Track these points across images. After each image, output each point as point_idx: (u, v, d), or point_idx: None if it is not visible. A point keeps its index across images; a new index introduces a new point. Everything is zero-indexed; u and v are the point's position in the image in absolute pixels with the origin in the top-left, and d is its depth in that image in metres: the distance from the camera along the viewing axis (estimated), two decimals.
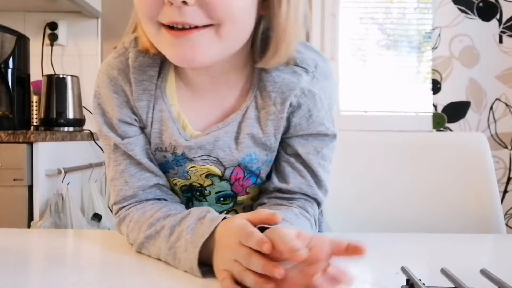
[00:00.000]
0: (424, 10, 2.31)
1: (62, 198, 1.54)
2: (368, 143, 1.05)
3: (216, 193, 0.72)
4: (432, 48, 2.11)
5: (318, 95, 0.65)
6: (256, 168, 0.68)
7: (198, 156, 0.66)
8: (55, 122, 1.80)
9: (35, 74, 1.95)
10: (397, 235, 0.83)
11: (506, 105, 2.08)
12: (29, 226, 1.47)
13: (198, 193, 0.73)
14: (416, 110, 2.30)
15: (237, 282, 0.48)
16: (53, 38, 2.15)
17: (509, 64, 2.07)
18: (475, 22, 2.08)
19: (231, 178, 0.69)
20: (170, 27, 0.56)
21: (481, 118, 2.09)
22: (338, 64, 2.29)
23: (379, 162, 1.03)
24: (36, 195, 1.50)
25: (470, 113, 2.09)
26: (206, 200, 0.73)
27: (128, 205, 0.67)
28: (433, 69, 2.11)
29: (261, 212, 0.52)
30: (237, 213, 0.74)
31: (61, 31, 2.16)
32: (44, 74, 1.98)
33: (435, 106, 2.11)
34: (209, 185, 0.71)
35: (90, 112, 1.74)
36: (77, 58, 2.18)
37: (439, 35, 2.09)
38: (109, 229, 1.62)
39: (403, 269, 0.50)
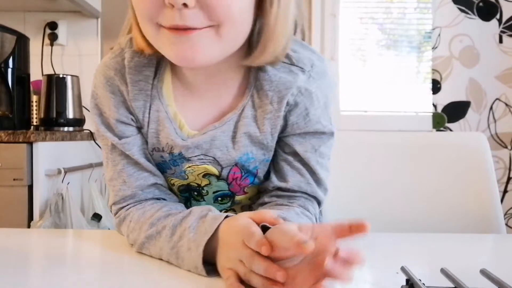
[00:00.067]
0: (424, 10, 2.31)
1: (62, 198, 1.54)
2: (368, 143, 1.05)
3: (214, 192, 0.72)
4: (432, 48, 2.11)
5: (315, 93, 0.65)
6: (253, 168, 0.68)
7: (195, 156, 0.66)
8: (55, 122, 1.80)
9: (35, 74, 1.95)
10: (397, 235, 0.83)
11: (506, 105, 2.08)
12: (29, 226, 1.47)
13: (196, 193, 0.73)
14: (416, 110, 2.30)
15: (241, 280, 0.48)
16: (53, 38, 2.15)
17: (509, 64, 2.07)
18: (475, 22, 2.08)
19: (229, 177, 0.69)
20: (171, 29, 0.56)
21: (481, 118, 2.09)
22: (338, 64, 2.29)
23: (379, 162, 1.03)
24: (36, 195, 1.50)
25: (470, 113, 2.09)
26: (204, 200, 0.73)
27: (128, 205, 0.67)
28: (433, 69, 2.11)
29: (265, 214, 0.52)
30: (235, 212, 0.74)
31: (61, 31, 2.16)
32: (44, 74, 1.98)
33: (435, 106, 2.11)
34: (207, 184, 0.71)
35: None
36: (77, 58, 2.18)
37: (439, 35, 2.09)
38: (109, 229, 1.62)
39: (403, 269, 0.50)
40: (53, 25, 2.15)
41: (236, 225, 0.52)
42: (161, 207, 0.64)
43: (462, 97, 2.10)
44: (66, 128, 1.82)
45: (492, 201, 0.99)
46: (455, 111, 2.10)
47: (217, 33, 0.56)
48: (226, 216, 0.56)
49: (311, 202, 0.68)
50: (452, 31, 2.09)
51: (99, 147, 1.84)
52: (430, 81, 2.15)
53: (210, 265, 0.54)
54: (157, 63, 0.66)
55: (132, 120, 0.67)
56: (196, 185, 0.71)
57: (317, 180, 0.67)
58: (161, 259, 0.60)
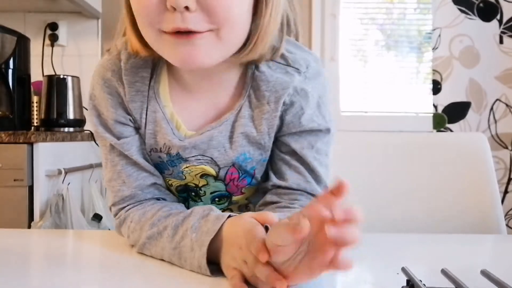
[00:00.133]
0: (424, 11, 2.32)
1: (63, 198, 1.54)
2: (369, 144, 1.05)
3: (211, 193, 0.72)
4: (432, 49, 2.11)
5: (310, 93, 0.66)
6: (251, 168, 0.69)
7: (192, 156, 0.67)
8: (56, 123, 1.80)
9: (36, 75, 1.95)
10: (397, 236, 0.83)
11: (507, 105, 2.08)
12: (29, 227, 1.47)
13: (193, 194, 0.73)
14: (416, 110, 2.30)
15: (245, 280, 0.49)
16: (54, 38, 2.15)
17: (509, 65, 2.07)
18: (475, 22, 2.08)
19: (226, 178, 0.69)
20: (173, 32, 0.56)
21: (481, 118, 2.09)
22: (338, 64, 2.29)
23: (379, 163, 1.03)
24: (36, 195, 1.50)
25: (470, 113, 2.09)
26: (201, 201, 0.74)
27: (127, 206, 0.67)
28: (433, 70, 2.11)
29: (267, 215, 0.53)
30: (232, 212, 0.74)
31: (61, 32, 2.16)
32: (45, 74, 1.99)
33: (435, 106, 2.11)
34: (204, 185, 0.71)
35: None
36: (78, 59, 2.18)
37: (439, 35, 2.09)
38: (109, 229, 1.61)
39: (404, 270, 0.50)
40: (53, 26, 2.15)
41: (241, 224, 0.53)
42: (162, 207, 0.64)
43: (462, 98, 2.09)
44: (66, 129, 1.82)
45: (493, 201, 0.99)
46: (455, 112, 2.10)
47: (217, 36, 0.57)
48: (229, 216, 0.56)
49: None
50: (452, 31, 2.09)
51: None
52: (431, 81, 2.15)
53: (214, 265, 0.54)
54: (153, 64, 0.67)
55: (130, 120, 0.67)
56: (193, 185, 0.72)
57: (316, 178, 0.67)
58: (162, 260, 0.60)
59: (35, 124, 1.88)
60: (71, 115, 1.82)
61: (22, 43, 1.75)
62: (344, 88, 2.30)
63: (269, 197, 0.68)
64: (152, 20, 0.56)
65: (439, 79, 2.10)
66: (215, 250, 0.54)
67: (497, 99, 2.08)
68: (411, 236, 0.83)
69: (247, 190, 0.72)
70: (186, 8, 0.53)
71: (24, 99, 1.79)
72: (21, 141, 1.46)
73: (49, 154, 1.56)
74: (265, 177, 0.71)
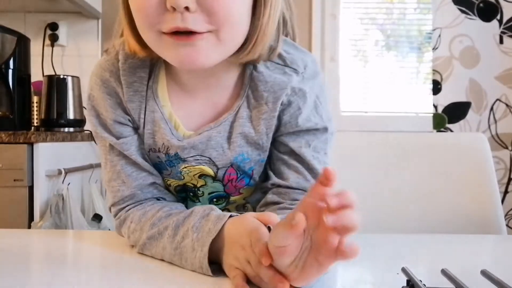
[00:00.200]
0: (424, 11, 2.32)
1: (63, 198, 1.54)
2: (369, 144, 1.05)
3: (209, 193, 0.72)
4: (433, 49, 2.11)
5: (308, 93, 0.66)
6: (249, 169, 0.69)
7: (191, 156, 0.67)
8: (56, 123, 1.80)
9: (36, 75, 1.95)
10: (397, 236, 0.83)
11: (507, 105, 2.08)
12: (29, 227, 1.47)
13: (191, 194, 0.73)
14: (416, 110, 2.30)
15: (247, 280, 0.49)
16: (54, 38, 2.15)
17: (509, 65, 2.07)
18: (475, 22, 2.08)
19: (224, 178, 0.69)
20: (172, 33, 0.56)
21: (481, 118, 2.09)
22: (338, 64, 2.29)
23: (379, 163, 1.03)
24: (36, 195, 1.50)
25: (470, 113, 2.09)
26: (199, 201, 0.74)
27: (127, 206, 0.67)
28: (433, 70, 2.11)
29: (269, 216, 0.53)
30: (229, 212, 0.74)
31: (61, 32, 2.16)
32: (45, 74, 1.98)
33: (435, 106, 2.11)
34: (202, 185, 0.71)
35: None
36: (78, 59, 2.18)
37: (439, 35, 2.09)
38: (109, 229, 1.62)
39: (404, 270, 0.50)
40: (53, 26, 2.15)
41: (245, 226, 0.53)
42: (162, 207, 0.64)
43: (462, 98, 2.09)
44: (66, 129, 1.82)
45: (493, 201, 0.99)
46: (455, 112, 2.10)
47: (217, 37, 0.57)
48: (230, 216, 0.56)
49: None
50: (452, 31, 2.09)
51: None
52: (431, 81, 2.15)
53: (215, 265, 0.54)
54: (151, 64, 0.67)
55: (129, 120, 0.67)
56: (192, 185, 0.72)
57: (316, 176, 0.67)
58: (162, 260, 0.60)
59: (35, 124, 1.88)
60: (71, 115, 1.82)
61: (22, 43, 1.75)
62: (344, 88, 2.30)
63: (270, 197, 0.68)
64: (152, 21, 0.56)
65: (439, 79, 2.10)
66: (216, 250, 0.54)
67: (497, 99, 2.08)
68: (411, 236, 0.83)
69: (245, 190, 0.72)
70: (186, 8, 0.54)
71: (24, 99, 1.79)
72: (21, 141, 1.46)
73: (49, 154, 1.56)
74: (263, 177, 0.71)
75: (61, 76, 1.82)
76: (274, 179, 0.68)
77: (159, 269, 0.58)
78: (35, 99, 1.89)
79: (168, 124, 0.66)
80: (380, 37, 2.34)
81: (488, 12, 2.07)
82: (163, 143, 0.67)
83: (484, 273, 0.49)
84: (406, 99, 2.30)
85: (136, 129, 0.68)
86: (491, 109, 2.08)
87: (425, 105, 2.25)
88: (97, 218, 1.67)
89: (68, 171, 1.59)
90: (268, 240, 0.47)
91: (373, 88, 2.33)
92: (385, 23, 2.34)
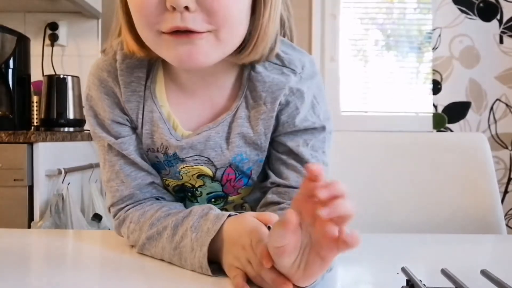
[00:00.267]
0: (424, 11, 2.32)
1: (62, 198, 1.54)
2: (368, 144, 1.05)
3: (208, 194, 0.73)
4: (433, 49, 2.11)
5: (306, 93, 0.66)
6: (247, 169, 0.69)
7: (189, 156, 0.67)
8: (56, 123, 1.80)
9: (36, 75, 1.95)
10: (397, 236, 0.83)
11: (507, 105, 2.08)
12: (29, 227, 1.47)
13: (189, 194, 0.73)
14: (416, 110, 2.30)
15: (247, 279, 0.49)
16: (54, 38, 2.15)
17: (509, 65, 2.07)
18: (475, 22, 2.08)
19: (223, 179, 0.69)
20: (172, 32, 0.56)
21: (481, 118, 2.09)
22: (338, 64, 2.29)
23: (379, 163, 1.03)
24: (36, 195, 1.50)
25: (470, 113, 2.09)
26: (198, 201, 0.74)
27: (126, 206, 0.67)
28: (433, 70, 2.11)
29: (269, 216, 0.53)
30: (227, 211, 0.74)
31: (61, 32, 2.16)
32: (45, 74, 1.98)
33: (435, 106, 2.11)
34: (201, 185, 0.71)
35: None
36: (78, 59, 2.18)
37: (440, 35, 2.09)
38: (109, 229, 1.62)
39: (404, 270, 0.50)
40: (53, 26, 2.15)
41: (244, 225, 0.53)
42: (161, 207, 0.64)
43: (462, 98, 2.10)
44: (66, 129, 1.82)
45: (493, 201, 0.99)
46: (455, 112, 2.10)
47: (216, 37, 0.57)
48: (229, 215, 0.56)
49: None
50: (452, 31, 2.09)
51: None
52: (431, 81, 2.15)
53: (215, 264, 0.54)
54: (149, 64, 0.67)
55: (127, 120, 0.67)
56: (190, 185, 0.72)
57: None
58: (162, 260, 0.60)
59: (35, 124, 1.88)
60: (71, 115, 1.82)
61: (22, 43, 1.75)
62: (344, 88, 2.30)
63: (270, 197, 0.68)
64: (151, 21, 0.56)
65: (439, 79, 2.10)
66: (215, 250, 0.54)
67: (497, 99, 2.08)
68: (411, 236, 0.83)
69: (243, 190, 0.73)
70: (186, 8, 0.53)
71: (24, 99, 1.79)
72: (21, 141, 1.46)
73: (49, 154, 1.56)
74: (262, 177, 0.71)
75: (61, 76, 1.82)
76: (273, 178, 0.68)
77: (159, 269, 0.58)
78: (35, 99, 1.89)
79: (166, 124, 0.66)
80: (380, 37, 2.34)
81: (488, 12, 2.08)
82: (162, 143, 0.67)
83: (484, 273, 0.50)
84: (406, 99, 2.31)
85: (134, 129, 0.68)
86: (491, 109, 2.08)
87: (425, 105, 2.25)
88: (97, 218, 1.67)
89: (68, 171, 1.59)
90: (267, 242, 0.47)
91: (373, 88, 2.33)
92: (385, 23, 2.34)
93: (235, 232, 0.53)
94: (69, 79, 1.81)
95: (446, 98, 2.10)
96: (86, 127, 1.90)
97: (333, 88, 2.28)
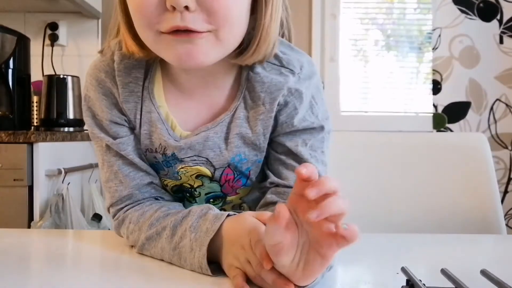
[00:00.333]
0: (424, 11, 2.32)
1: (62, 198, 1.54)
2: (368, 144, 1.05)
3: (206, 194, 0.72)
4: (433, 49, 2.11)
5: (305, 93, 0.66)
6: (246, 169, 0.69)
7: (188, 157, 0.67)
8: (56, 122, 1.80)
9: (36, 75, 1.95)
10: (397, 236, 0.83)
11: (507, 105, 2.08)
12: (29, 226, 1.47)
13: (188, 194, 0.73)
14: (416, 110, 2.30)
15: (247, 279, 0.49)
16: (54, 38, 2.15)
17: (509, 65, 2.07)
18: (475, 22, 2.08)
19: (221, 179, 0.69)
20: (171, 32, 0.56)
21: (481, 118, 2.09)
22: (338, 64, 2.29)
23: (379, 163, 1.03)
24: (36, 195, 1.50)
25: (470, 113, 2.09)
26: (196, 201, 0.74)
27: (126, 206, 0.67)
28: (433, 70, 2.11)
29: (268, 215, 0.53)
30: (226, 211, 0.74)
31: (61, 32, 2.16)
32: (45, 74, 1.98)
33: (435, 106, 2.11)
34: (199, 186, 0.71)
35: None
36: (77, 59, 2.18)
37: (440, 35, 2.09)
38: (109, 229, 1.61)
39: (404, 270, 0.50)
40: (53, 26, 2.15)
41: (243, 225, 0.53)
42: (160, 207, 0.64)
43: (462, 98, 2.10)
44: (66, 129, 1.82)
45: (493, 201, 0.99)
46: (455, 112, 2.10)
47: (216, 37, 0.57)
48: (228, 215, 0.56)
49: None
50: (452, 31, 2.09)
51: None
52: (431, 81, 2.15)
53: (215, 264, 0.54)
54: (147, 65, 0.66)
55: (125, 121, 0.67)
56: (188, 186, 0.72)
57: None
58: (162, 260, 0.60)
59: (35, 124, 1.88)
60: (71, 115, 1.82)
61: (22, 43, 1.75)
62: (344, 88, 2.30)
63: (269, 197, 0.68)
64: (151, 21, 0.56)
65: (439, 79, 2.10)
66: (215, 250, 0.54)
67: (497, 99, 2.08)
68: (411, 236, 0.83)
69: (242, 190, 0.73)
70: (186, 7, 0.53)
71: (24, 99, 1.79)
72: (21, 141, 1.46)
73: (49, 154, 1.56)
74: (260, 177, 0.71)
75: (61, 76, 1.82)
76: (272, 178, 0.68)
77: (159, 268, 0.58)
78: (35, 99, 1.89)
79: (165, 125, 0.66)
80: (380, 37, 2.34)
81: (488, 12, 2.08)
82: (160, 144, 0.67)
83: (484, 272, 0.50)
84: (406, 99, 2.31)
85: (132, 129, 0.68)
86: (491, 109, 2.08)
87: (425, 105, 2.25)
88: (97, 217, 1.67)
89: (68, 170, 1.59)
90: (264, 241, 0.47)
91: (373, 88, 2.33)
92: (385, 23, 2.34)
93: (234, 232, 0.53)
94: (69, 79, 1.81)
95: (446, 98, 2.10)
96: (86, 127, 1.90)
97: (333, 88, 2.28)
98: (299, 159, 0.66)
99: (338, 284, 0.55)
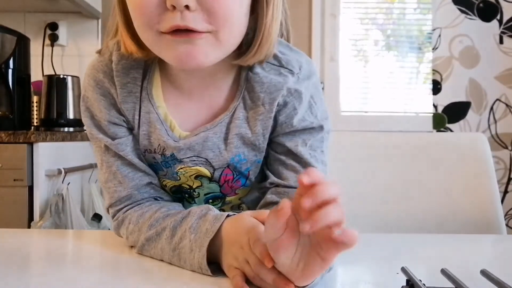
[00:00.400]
0: (424, 11, 2.32)
1: (62, 198, 1.54)
2: (368, 144, 1.05)
3: (205, 194, 0.72)
4: (432, 49, 2.11)
5: (304, 93, 0.66)
6: (245, 169, 0.69)
7: (187, 157, 0.67)
8: (56, 122, 1.80)
9: (36, 75, 1.95)
10: (397, 236, 0.83)
11: (507, 105, 2.08)
12: (29, 227, 1.47)
13: (186, 195, 0.73)
14: (416, 110, 2.30)
15: (246, 279, 0.49)
16: (54, 38, 2.15)
17: (509, 65, 2.07)
18: (475, 22, 2.08)
19: (221, 179, 0.69)
20: (172, 32, 0.56)
21: (481, 118, 2.09)
22: (338, 64, 2.29)
23: (379, 163, 1.03)
24: (36, 195, 1.50)
25: (470, 113, 2.09)
26: (195, 202, 0.74)
27: (125, 207, 0.67)
28: (433, 70, 2.11)
29: (266, 215, 0.53)
30: (225, 212, 0.74)
31: (61, 32, 2.16)
32: (45, 74, 1.98)
33: (435, 106, 2.11)
34: (198, 186, 0.71)
35: None
36: (77, 59, 2.18)
37: (439, 35, 2.09)
38: (109, 229, 1.61)
39: (404, 270, 0.50)
40: (53, 26, 2.15)
41: (242, 225, 0.53)
42: (159, 208, 0.64)
43: (462, 98, 2.10)
44: (66, 129, 1.82)
45: (493, 201, 0.99)
46: (455, 112, 2.10)
47: (216, 38, 0.57)
48: (227, 215, 0.56)
49: None
50: (452, 31, 2.09)
51: None
52: (431, 81, 2.15)
53: (215, 264, 0.54)
54: (145, 65, 0.66)
55: (124, 121, 0.67)
56: (187, 187, 0.71)
57: None
58: (162, 260, 0.60)
59: (35, 124, 1.88)
60: (71, 115, 1.82)
61: (22, 43, 1.75)
62: (344, 88, 2.30)
63: (269, 198, 0.67)
64: (151, 20, 0.56)
65: (439, 79, 2.10)
66: (215, 250, 0.54)
67: (497, 99, 2.08)
68: (411, 236, 0.83)
69: (241, 191, 0.73)
70: (186, 7, 0.53)
71: (24, 99, 1.79)
72: (21, 141, 1.46)
73: (49, 154, 1.56)
74: (259, 178, 0.71)
75: (61, 76, 1.82)
76: (272, 178, 0.68)
77: (159, 268, 0.58)
78: (35, 99, 1.89)
79: (163, 125, 0.66)
80: (380, 37, 2.34)
81: (488, 12, 2.08)
82: (159, 144, 0.66)
83: (484, 273, 0.50)
84: (406, 99, 2.31)
85: (131, 129, 0.68)
86: (491, 109, 2.08)
87: (425, 105, 2.25)
88: (97, 217, 1.67)
89: (68, 170, 1.59)
90: (263, 238, 0.47)
91: (373, 88, 2.33)
92: (385, 23, 2.34)
93: (233, 232, 0.53)
94: (69, 79, 1.81)
95: (446, 98, 2.10)
96: (84, 127, 1.90)
97: (333, 88, 2.28)
98: (299, 159, 0.66)
99: (338, 284, 0.55)
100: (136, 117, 0.66)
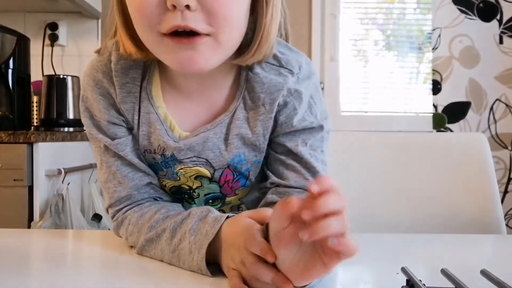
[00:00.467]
0: (424, 11, 2.32)
1: (62, 198, 1.54)
2: (368, 144, 1.05)
3: (205, 195, 0.72)
4: (432, 49, 2.11)
5: (304, 94, 0.66)
6: (246, 170, 0.69)
7: (187, 158, 0.66)
8: (55, 122, 1.80)
9: (36, 75, 1.95)
10: (397, 236, 0.83)
11: (506, 105, 2.08)
12: (29, 227, 1.47)
13: (186, 196, 0.73)
14: (416, 110, 2.30)
15: (245, 280, 0.49)
16: (54, 38, 2.15)
17: (509, 65, 2.07)
18: (475, 22, 2.08)
19: (221, 180, 0.69)
20: (172, 34, 0.56)
21: (481, 118, 2.09)
22: (338, 64, 2.29)
23: (379, 163, 1.03)
24: (36, 195, 1.50)
25: (470, 113, 2.09)
26: (195, 203, 0.73)
27: (125, 207, 0.67)
28: (433, 70, 2.11)
29: (264, 212, 0.53)
30: (224, 213, 0.74)
31: (61, 32, 2.16)
32: (45, 74, 1.98)
33: (435, 106, 2.11)
34: (198, 187, 0.71)
35: None
36: (77, 59, 2.18)
37: (439, 35, 2.09)
38: (109, 229, 1.61)
39: (404, 270, 0.50)
40: (53, 26, 2.15)
41: (239, 226, 0.53)
42: (159, 209, 0.64)
43: (462, 98, 2.10)
44: (66, 129, 1.82)
45: (493, 201, 0.99)
46: (455, 112, 2.10)
47: (216, 41, 0.57)
48: (227, 217, 0.56)
49: None
50: (452, 31, 2.09)
51: None
52: (431, 81, 2.15)
53: (214, 265, 0.54)
54: (145, 65, 0.66)
55: (123, 121, 0.67)
56: (187, 187, 0.71)
57: (314, 174, 0.67)
58: (162, 260, 0.60)
59: (35, 124, 1.88)
60: (71, 115, 1.82)
61: (22, 43, 1.75)
62: (344, 88, 2.30)
63: (270, 198, 0.67)
64: (151, 21, 0.55)
65: (439, 79, 2.10)
66: (214, 251, 0.54)
67: (497, 99, 2.08)
68: (411, 236, 0.83)
69: (241, 191, 0.72)
70: (187, 7, 0.53)
71: (24, 99, 1.79)
72: (21, 141, 1.46)
73: (49, 154, 1.56)
74: (259, 178, 0.71)
75: (61, 76, 1.82)
76: (273, 179, 0.68)
77: (159, 269, 0.58)
78: (35, 99, 1.89)
79: (163, 125, 0.66)
80: (380, 37, 2.34)
81: (488, 12, 2.08)
82: (159, 145, 0.66)
83: (484, 273, 0.50)
84: (406, 99, 2.31)
85: (130, 129, 0.68)
86: (491, 109, 2.08)
87: (425, 105, 2.25)
88: (97, 218, 1.67)
89: (68, 171, 1.59)
90: (269, 228, 0.47)
91: (373, 88, 2.33)
92: (385, 23, 2.34)
93: (232, 233, 0.53)
94: (69, 79, 1.81)
95: (446, 98, 2.10)
96: (84, 127, 1.90)
97: (333, 88, 2.28)
98: (299, 159, 0.66)
99: (338, 284, 0.55)
100: (136, 117, 0.66)
